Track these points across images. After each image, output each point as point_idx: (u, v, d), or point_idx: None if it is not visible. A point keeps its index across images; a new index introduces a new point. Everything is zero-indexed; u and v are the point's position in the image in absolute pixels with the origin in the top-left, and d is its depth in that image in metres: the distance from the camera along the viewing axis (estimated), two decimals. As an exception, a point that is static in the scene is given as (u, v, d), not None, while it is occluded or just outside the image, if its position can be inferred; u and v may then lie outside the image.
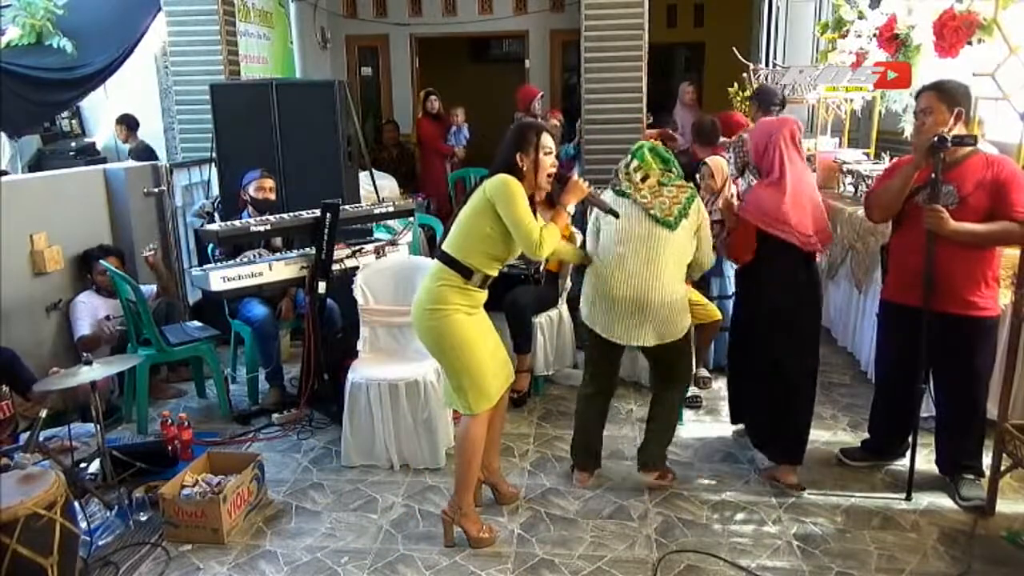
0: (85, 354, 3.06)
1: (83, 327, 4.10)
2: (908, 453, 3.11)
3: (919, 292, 2.90)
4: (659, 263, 2.97)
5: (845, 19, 5.02)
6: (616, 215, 3.01)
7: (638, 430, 3.76)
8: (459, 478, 2.83)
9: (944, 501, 3.06)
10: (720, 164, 4.28)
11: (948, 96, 2.87)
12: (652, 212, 3.00)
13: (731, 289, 4.54)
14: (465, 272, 2.70)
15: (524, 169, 2.71)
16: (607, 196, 3.13)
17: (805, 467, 3.35)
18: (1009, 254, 3.08)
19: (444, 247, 2.75)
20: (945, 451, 3.17)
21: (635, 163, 3.09)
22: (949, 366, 3.02)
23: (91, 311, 4.17)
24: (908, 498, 3.08)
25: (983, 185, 2.82)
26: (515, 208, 2.62)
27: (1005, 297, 3.10)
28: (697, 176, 4.19)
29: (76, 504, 2.68)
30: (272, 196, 4.23)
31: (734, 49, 5.64)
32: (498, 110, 7.16)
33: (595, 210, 3.14)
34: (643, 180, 3.06)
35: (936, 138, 2.76)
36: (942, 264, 2.85)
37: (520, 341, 4.05)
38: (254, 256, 3.84)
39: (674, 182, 3.08)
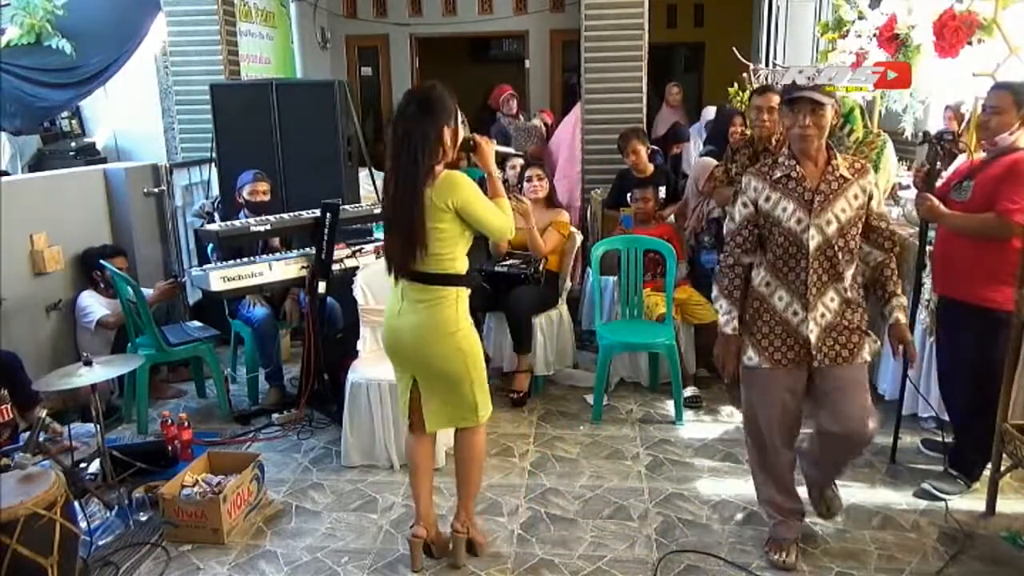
0: (85, 354, 3.06)
1: (98, 312, 4.15)
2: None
3: (960, 284, 2.95)
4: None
5: (845, 19, 5.01)
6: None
7: (638, 430, 3.76)
8: (474, 489, 2.74)
9: (943, 501, 3.05)
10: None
11: (1021, 99, 2.84)
12: None
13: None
14: (464, 281, 2.51)
15: (449, 143, 2.42)
16: None
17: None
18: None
19: (419, 268, 2.43)
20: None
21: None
22: (961, 357, 3.04)
23: (97, 303, 4.21)
24: (892, 460, 3.36)
25: (994, 179, 2.83)
26: (478, 202, 2.43)
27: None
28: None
29: (76, 504, 2.68)
30: (267, 198, 4.23)
31: (734, 49, 5.63)
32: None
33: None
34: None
35: (930, 133, 3.12)
36: (959, 254, 2.92)
37: (520, 341, 4.05)
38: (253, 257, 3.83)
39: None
